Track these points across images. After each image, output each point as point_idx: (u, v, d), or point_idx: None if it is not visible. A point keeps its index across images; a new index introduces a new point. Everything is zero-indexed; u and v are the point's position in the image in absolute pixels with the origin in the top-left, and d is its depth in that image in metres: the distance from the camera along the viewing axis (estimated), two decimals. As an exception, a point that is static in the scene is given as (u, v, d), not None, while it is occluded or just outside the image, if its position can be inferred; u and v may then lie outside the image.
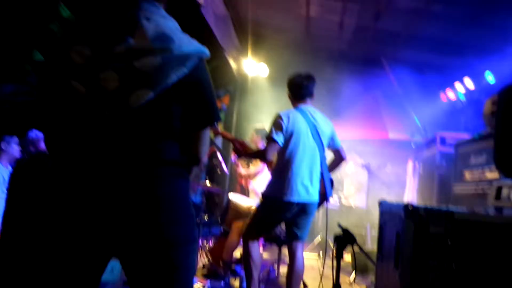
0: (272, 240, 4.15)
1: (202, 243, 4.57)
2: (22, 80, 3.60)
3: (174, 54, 1.20)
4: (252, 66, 7.50)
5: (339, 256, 2.20)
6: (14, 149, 4.03)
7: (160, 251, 1.21)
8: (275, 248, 4.50)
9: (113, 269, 2.83)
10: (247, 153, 3.35)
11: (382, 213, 2.37)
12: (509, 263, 1.64)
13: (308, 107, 3.28)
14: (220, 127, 7.60)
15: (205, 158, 1.44)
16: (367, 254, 2.61)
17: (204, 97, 1.33)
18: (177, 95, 1.25)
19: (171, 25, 1.27)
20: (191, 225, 1.31)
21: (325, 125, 3.29)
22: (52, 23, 3.32)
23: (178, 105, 1.27)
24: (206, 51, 1.30)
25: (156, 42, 1.19)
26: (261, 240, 4.95)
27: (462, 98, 6.97)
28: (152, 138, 1.25)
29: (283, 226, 3.68)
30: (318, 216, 6.86)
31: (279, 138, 3.11)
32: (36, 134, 3.85)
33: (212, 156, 4.85)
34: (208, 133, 1.42)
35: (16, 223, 2.30)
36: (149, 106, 1.20)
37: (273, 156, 3.34)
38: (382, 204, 2.38)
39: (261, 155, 3.32)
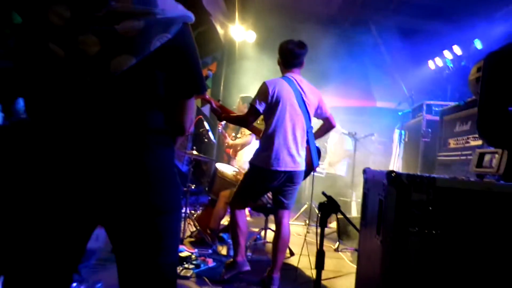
0: (259, 208, 4.19)
1: (190, 212, 4.60)
2: (2, 44, 3.47)
3: (157, 18, 1.15)
4: (240, 32, 7.34)
5: (323, 224, 2.22)
6: None
7: (146, 218, 1.21)
8: (262, 216, 4.54)
9: (98, 237, 2.83)
10: (227, 117, 3.34)
11: (366, 181, 2.38)
12: (489, 229, 1.67)
13: (296, 76, 3.23)
14: (207, 94, 7.52)
15: (190, 128, 1.41)
16: (350, 221, 2.64)
17: (189, 64, 1.29)
18: (161, 62, 1.21)
19: None
20: (176, 193, 1.31)
21: (312, 95, 3.25)
22: None
23: (162, 72, 1.22)
24: (191, 15, 1.25)
25: (138, 4, 1.13)
26: (249, 208, 5.01)
27: (450, 65, 6.95)
28: (135, 105, 1.21)
29: (269, 194, 3.70)
30: (305, 184, 6.93)
31: (261, 107, 3.09)
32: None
33: (199, 124, 4.81)
34: (194, 102, 1.39)
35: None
36: (131, 73, 1.16)
37: (256, 124, 3.33)
38: (366, 172, 2.39)
39: (242, 121, 3.32)
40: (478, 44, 6.43)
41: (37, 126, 1.21)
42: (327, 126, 3.43)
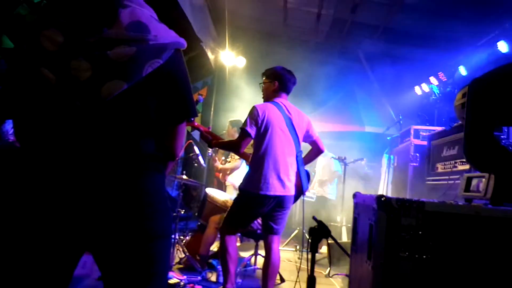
0: (249, 234, 4.15)
1: (179, 237, 4.53)
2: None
3: (149, 44, 1.16)
4: (230, 57, 7.44)
5: (313, 249, 2.20)
6: None
7: (137, 244, 1.19)
8: (252, 242, 4.49)
9: (85, 264, 2.77)
10: (218, 144, 3.33)
11: (356, 205, 2.38)
12: (478, 253, 1.67)
13: (284, 100, 3.27)
14: (197, 119, 7.53)
15: (180, 153, 1.41)
16: (341, 246, 2.62)
17: (180, 90, 1.29)
18: (152, 87, 1.21)
19: (147, 14, 1.23)
20: (167, 219, 1.30)
21: (300, 119, 3.29)
22: (20, 6, 3.18)
23: (153, 97, 1.23)
24: (183, 42, 1.26)
25: (131, 31, 1.14)
26: (238, 234, 4.96)
27: (436, 91, 7.09)
28: (126, 131, 1.21)
29: (259, 220, 3.67)
30: (295, 209, 6.90)
31: (252, 131, 3.10)
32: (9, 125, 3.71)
33: (189, 149, 4.79)
34: (184, 128, 1.39)
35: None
36: (122, 98, 1.16)
37: (246, 148, 3.32)
38: (356, 196, 2.39)
39: (233, 146, 3.30)
40: (462, 70, 6.60)
41: (26, 151, 1.20)
42: (315, 150, 3.44)
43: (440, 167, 4.26)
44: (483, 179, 2.00)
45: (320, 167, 6.90)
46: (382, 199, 1.75)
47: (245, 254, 4.63)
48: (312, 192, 6.85)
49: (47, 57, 1.11)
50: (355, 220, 2.36)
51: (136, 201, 1.19)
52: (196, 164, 5.03)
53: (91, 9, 1.15)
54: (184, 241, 4.54)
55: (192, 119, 3.14)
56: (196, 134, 6.96)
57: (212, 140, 3.28)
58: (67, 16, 1.14)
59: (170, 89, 1.26)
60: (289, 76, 3.30)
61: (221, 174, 5.49)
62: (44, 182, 1.15)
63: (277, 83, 3.28)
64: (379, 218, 1.77)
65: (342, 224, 6.27)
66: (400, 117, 6.27)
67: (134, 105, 1.20)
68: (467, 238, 1.69)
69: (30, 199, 1.15)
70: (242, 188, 3.19)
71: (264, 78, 3.36)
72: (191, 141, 4.77)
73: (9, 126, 3.74)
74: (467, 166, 3.56)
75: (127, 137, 1.21)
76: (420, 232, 1.70)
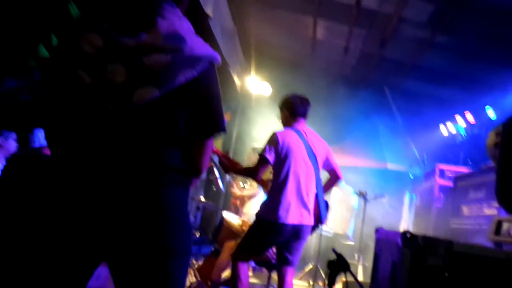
0: (263, 263, 4.04)
1: (192, 261, 4.45)
2: (26, 76, 3.56)
3: (184, 55, 1.18)
4: (256, 84, 7.49)
5: (331, 283, 2.11)
6: (12, 145, 3.98)
7: (156, 258, 1.16)
8: (265, 273, 4.38)
9: (99, 276, 2.72)
10: (236, 169, 3.28)
11: (378, 241, 2.29)
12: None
13: (303, 126, 3.24)
14: (218, 143, 7.56)
15: (205, 170, 1.39)
16: (359, 283, 2.51)
17: (211, 104, 1.29)
18: (184, 98, 1.22)
19: (185, 26, 1.25)
20: (188, 236, 1.27)
21: (320, 146, 3.24)
22: (70, 5, 3.23)
23: (184, 109, 1.23)
24: (217, 57, 1.27)
25: (168, 40, 1.16)
26: (252, 263, 4.85)
27: (463, 132, 6.95)
28: (154, 140, 1.20)
29: (274, 249, 3.58)
30: (311, 243, 6.74)
31: (271, 157, 3.05)
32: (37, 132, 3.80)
33: (209, 171, 4.78)
34: (212, 143, 1.37)
35: (4, 220, 2.21)
36: (153, 106, 1.17)
37: (263, 175, 3.26)
38: (379, 231, 2.31)
39: (251, 172, 3.23)
40: (491, 113, 6.46)
41: (55, 155, 1.20)
42: (334, 178, 3.37)
43: (465, 210, 4.12)
44: (516, 223, 1.90)
45: (336, 201, 6.75)
46: (408, 235, 1.67)
47: (255, 283, 4.51)
48: (330, 227, 6.70)
49: (84, 60, 1.13)
50: (376, 256, 2.27)
51: (156, 214, 1.16)
52: (214, 188, 4.99)
53: (131, 14, 1.18)
54: (196, 266, 4.46)
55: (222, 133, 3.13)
56: (216, 157, 6.97)
57: (229, 166, 3.24)
58: (107, 20, 1.17)
59: (201, 102, 1.26)
60: (297, 101, 3.25)
61: (238, 202, 5.43)
62: (67, 187, 1.14)
63: (287, 112, 3.27)
64: (403, 255, 1.69)
65: (358, 262, 6.07)
66: (425, 156, 6.14)
67: (164, 114, 1.20)
68: (496, 283, 1.59)
69: (48, 205, 1.14)
70: (259, 215, 3.12)
71: (279, 109, 3.36)
72: (211, 163, 4.76)
73: (36, 134, 3.82)
74: (494, 211, 3.42)
75: (152, 145, 1.20)
76: (446, 274, 1.61)
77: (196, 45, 1.21)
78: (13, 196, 2.29)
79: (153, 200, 1.17)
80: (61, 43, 1.19)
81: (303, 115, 3.29)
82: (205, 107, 1.27)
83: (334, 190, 6.07)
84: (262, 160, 3.07)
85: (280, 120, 3.37)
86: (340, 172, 3.36)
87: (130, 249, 1.14)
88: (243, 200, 5.28)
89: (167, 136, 1.22)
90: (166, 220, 1.18)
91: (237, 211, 5.55)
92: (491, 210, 3.62)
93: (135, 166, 1.17)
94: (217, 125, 1.32)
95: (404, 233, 1.68)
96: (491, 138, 2.05)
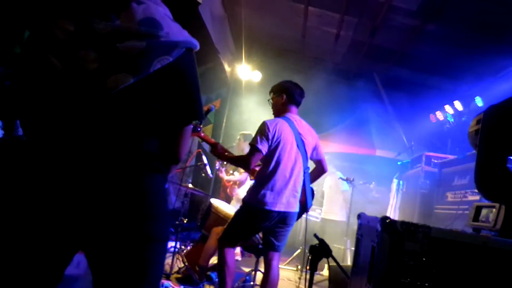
0: (250, 248, 4.08)
1: (180, 247, 4.48)
2: (11, 63, 3.50)
3: (160, 41, 1.15)
4: (246, 71, 7.46)
5: (313, 268, 2.15)
6: None
7: (134, 245, 1.16)
8: (253, 257, 4.42)
9: (79, 264, 2.73)
10: (227, 157, 3.28)
11: (360, 226, 2.32)
12: (482, 284, 1.60)
13: (295, 116, 3.25)
14: (209, 129, 7.54)
15: (184, 156, 1.38)
16: (342, 268, 2.56)
17: (188, 90, 1.27)
18: (160, 85, 1.20)
19: (161, 11, 1.22)
20: (166, 222, 1.27)
21: (310, 136, 3.25)
22: None
23: (160, 95, 1.21)
24: (195, 42, 1.25)
25: (143, 26, 1.14)
26: (240, 248, 4.89)
27: (451, 120, 7.01)
28: (130, 127, 1.19)
29: (261, 234, 3.61)
30: (299, 228, 6.80)
31: (263, 147, 3.05)
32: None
33: (198, 158, 4.78)
34: (190, 131, 1.36)
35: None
36: (128, 92, 1.14)
37: (255, 165, 3.26)
38: (361, 216, 2.33)
39: (243, 162, 3.21)
40: (479, 102, 6.52)
41: (30, 143, 1.19)
42: (320, 169, 3.39)
43: (450, 196, 4.18)
44: (493, 210, 1.94)
45: (327, 187, 6.82)
46: (387, 221, 1.70)
47: (245, 269, 4.56)
48: (318, 212, 6.75)
49: (56, 46, 1.11)
50: (358, 241, 2.30)
51: (134, 200, 1.16)
52: (203, 174, 5.00)
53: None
54: (184, 251, 4.49)
55: (199, 129, 3.12)
56: (205, 144, 6.96)
57: (221, 154, 3.23)
58: (79, 5, 1.14)
59: (177, 88, 1.24)
60: (296, 88, 3.28)
61: (228, 187, 5.45)
62: (42, 175, 1.13)
63: (285, 96, 3.26)
64: (382, 240, 1.72)
65: (346, 247, 6.15)
66: (412, 143, 6.20)
67: (140, 101, 1.18)
68: (472, 268, 1.62)
69: (26, 192, 1.13)
70: (247, 201, 3.14)
71: (272, 94, 3.35)
72: (200, 150, 4.76)
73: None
74: (477, 197, 3.48)
75: (129, 132, 1.19)
76: (424, 259, 1.64)
77: (173, 30, 1.19)
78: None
79: (130, 187, 1.16)
80: (34, 29, 1.16)
81: (298, 103, 3.30)
82: (181, 94, 1.25)
83: (326, 176, 6.14)
84: (254, 150, 3.06)
85: (272, 106, 3.37)
86: (326, 165, 3.40)
87: (108, 236, 1.14)
88: (234, 185, 5.30)
89: (142, 123, 1.20)
90: (144, 207, 1.18)
91: (228, 198, 5.56)
92: (475, 196, 3.68)
93: (111, 153, 1.16)
94: (194, 112, 1.30)
95: (384, 218, 1.71)
96: (472, 125, 2.08)
